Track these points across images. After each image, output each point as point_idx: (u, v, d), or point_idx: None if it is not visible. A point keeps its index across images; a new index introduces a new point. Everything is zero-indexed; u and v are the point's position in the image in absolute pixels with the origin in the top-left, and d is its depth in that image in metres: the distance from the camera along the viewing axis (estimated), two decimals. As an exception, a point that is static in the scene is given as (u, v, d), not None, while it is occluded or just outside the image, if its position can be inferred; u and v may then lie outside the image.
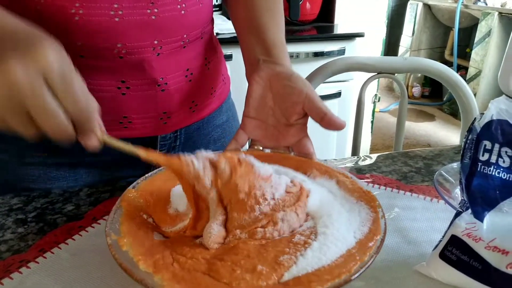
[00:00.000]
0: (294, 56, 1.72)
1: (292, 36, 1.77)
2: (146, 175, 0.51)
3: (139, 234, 0.42)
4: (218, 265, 0.37)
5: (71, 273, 0.44)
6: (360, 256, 0.37)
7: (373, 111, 2.30)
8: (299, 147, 0.57)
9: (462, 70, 3.41)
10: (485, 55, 3.05)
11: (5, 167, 0.64)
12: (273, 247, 0.39)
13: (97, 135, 0.42)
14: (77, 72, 0.38)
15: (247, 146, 0.60)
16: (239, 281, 0.35)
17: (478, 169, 0.41)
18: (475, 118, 0.43)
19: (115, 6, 0.53)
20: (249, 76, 0.61)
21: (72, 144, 0.40)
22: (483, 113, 0.42)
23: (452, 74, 0.97)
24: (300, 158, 0.55)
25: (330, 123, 0.54)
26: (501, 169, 0.40)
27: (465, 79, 3.13)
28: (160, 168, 0.53)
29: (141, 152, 0.44)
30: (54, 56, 0.36)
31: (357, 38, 1.80)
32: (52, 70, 0.36)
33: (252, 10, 0.65)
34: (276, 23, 0.65)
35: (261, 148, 0.58)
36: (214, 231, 0.41)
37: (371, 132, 2.34)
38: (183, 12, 0.59)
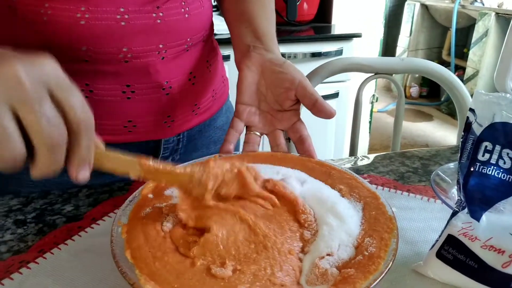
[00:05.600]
0: (292, 57, 1.72)
1: (290, 36, 1.77)
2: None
3: (141, 222, 0.43)
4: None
5: (71, 273, 0.44)
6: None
7: (371, 111, 2.30)
8: (293, 131, 0.58)
9: (460, 70, 3.42)
10: (482, 55, 3.07)
11: (5, 172, 0.64)
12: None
13: (91, 160, 0.37)
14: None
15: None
16: None
17: (477, 169, 0.42)
18: (467, 117, 0.43)
19: (121, 10, 0.53)
20: (240, 62, 0.60)
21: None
22: (472, 109, 0.43)
23: (449, 74, 0.97)
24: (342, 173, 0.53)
25: (320, 109, 0.55)
26: (501, 170, 0.40)
27: (462, 79, 3.14)
28: (184, 164, 0.54)
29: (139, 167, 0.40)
30: (55, 65, 0.34)
31: (354, 39, 1.81)
32: (56, 76, 0.33)
33: (244, 5, 0.65)
34: (266, 16, 0.65)
35: (258, 133, 0.59)
36: None
37: (369, 132, 2.35)
38: (186, 15, 0.59)
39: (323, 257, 0.39)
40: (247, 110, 0.58)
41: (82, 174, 0.36)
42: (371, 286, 0.35)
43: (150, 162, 0.41)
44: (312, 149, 0.56)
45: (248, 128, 0.59)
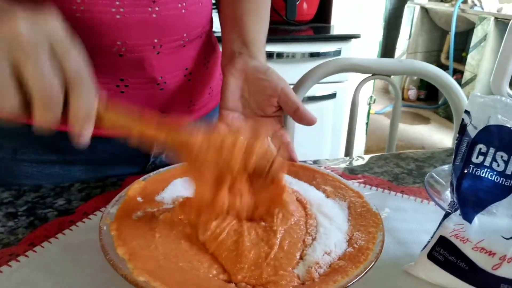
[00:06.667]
0: (290, 56, 1.72)
1: (289, 36, 1.77)
2: (157, 170, 0.53)
3: (132, 223, 0.43)
4: None
5: (61, 267, 0.44)
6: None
7: (368, 113, 2.30)
8: (276, 137, 0.59)
9: (458, 74, 3.42)
10: (480, 59, 3.07)
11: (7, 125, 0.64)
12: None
13: (91, 115, 0.36)
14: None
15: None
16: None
17: (470, 171, 0.42)
18: (463, 119, 0.43)
19: (117, 3, 0.53)
20: (224, 67, 0.61)
21: (53, 135, 0.37)
22: (468, 111, 0.43)
23: (446, 77, 0.97)
24: (317, 171, 0.56)
25: (301, 117, 0.57)
26: (495, 173, 0.40)
27: (460, 83, 3.15)
28: (170, 166, 0.54)
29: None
30: (58, 22, 0.35)
31: (353, 40, 1.81)
32: (57, 32, 0.35)
33: (238, 10, 0.66)
34: (258, 22, 0.66)
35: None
36: None
37: (366, 134, 2.35)
38: (183, 11, 0.59)
39: (318, 263, 0.39)
40: (231, 116, 0.59)
41: (84, 131, 0.36)
42: (361, 275, 0.36)
43: (154, 118, 0.40)
44: (294, 154, 0.58)
45: None
